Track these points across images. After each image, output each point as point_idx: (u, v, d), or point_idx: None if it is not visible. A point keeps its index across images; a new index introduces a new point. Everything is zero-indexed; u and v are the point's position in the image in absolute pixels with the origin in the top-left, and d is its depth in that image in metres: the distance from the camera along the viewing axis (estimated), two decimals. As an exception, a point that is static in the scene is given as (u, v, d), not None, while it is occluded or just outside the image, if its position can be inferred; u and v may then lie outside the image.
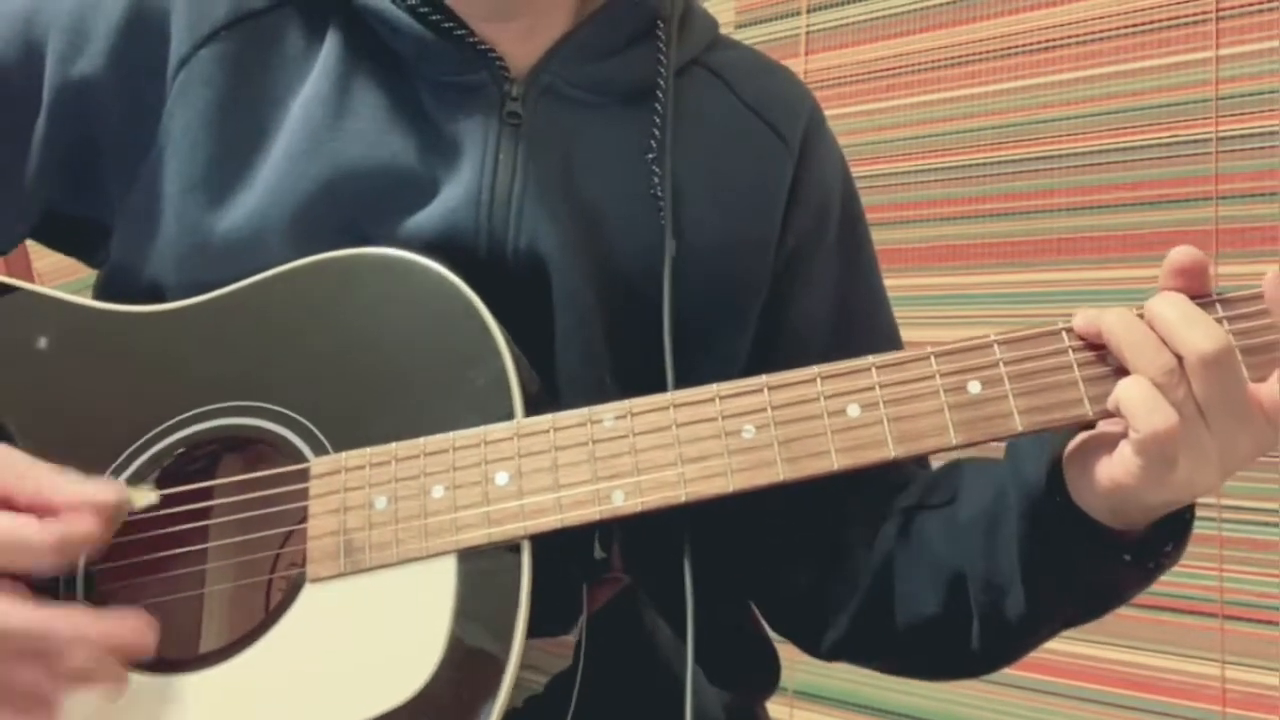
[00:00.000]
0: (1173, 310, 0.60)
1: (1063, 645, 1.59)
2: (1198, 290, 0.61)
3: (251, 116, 0.75)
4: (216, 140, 0.74)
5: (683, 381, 0.70)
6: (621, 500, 0.62)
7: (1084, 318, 0.62)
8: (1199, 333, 0.59)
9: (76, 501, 0.59)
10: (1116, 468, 0.60)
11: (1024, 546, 0.68)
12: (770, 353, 0.80)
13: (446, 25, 0.75)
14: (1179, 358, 0.59)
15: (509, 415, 0.64)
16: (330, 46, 0.76)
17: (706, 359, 0.77)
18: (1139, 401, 0.58)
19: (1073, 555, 0.66)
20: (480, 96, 0.76)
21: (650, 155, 0.78)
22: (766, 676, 0.86)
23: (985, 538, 0.71)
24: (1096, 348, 0.62)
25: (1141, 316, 0.61)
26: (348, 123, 0.74)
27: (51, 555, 0.58)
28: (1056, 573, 0.68)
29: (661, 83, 0.79)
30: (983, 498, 0.72)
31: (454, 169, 0.74)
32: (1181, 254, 0.62)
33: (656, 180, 0.77)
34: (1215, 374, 0.58)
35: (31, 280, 1.54)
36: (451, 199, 0.73)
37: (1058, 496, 0.66)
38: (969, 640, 0.73)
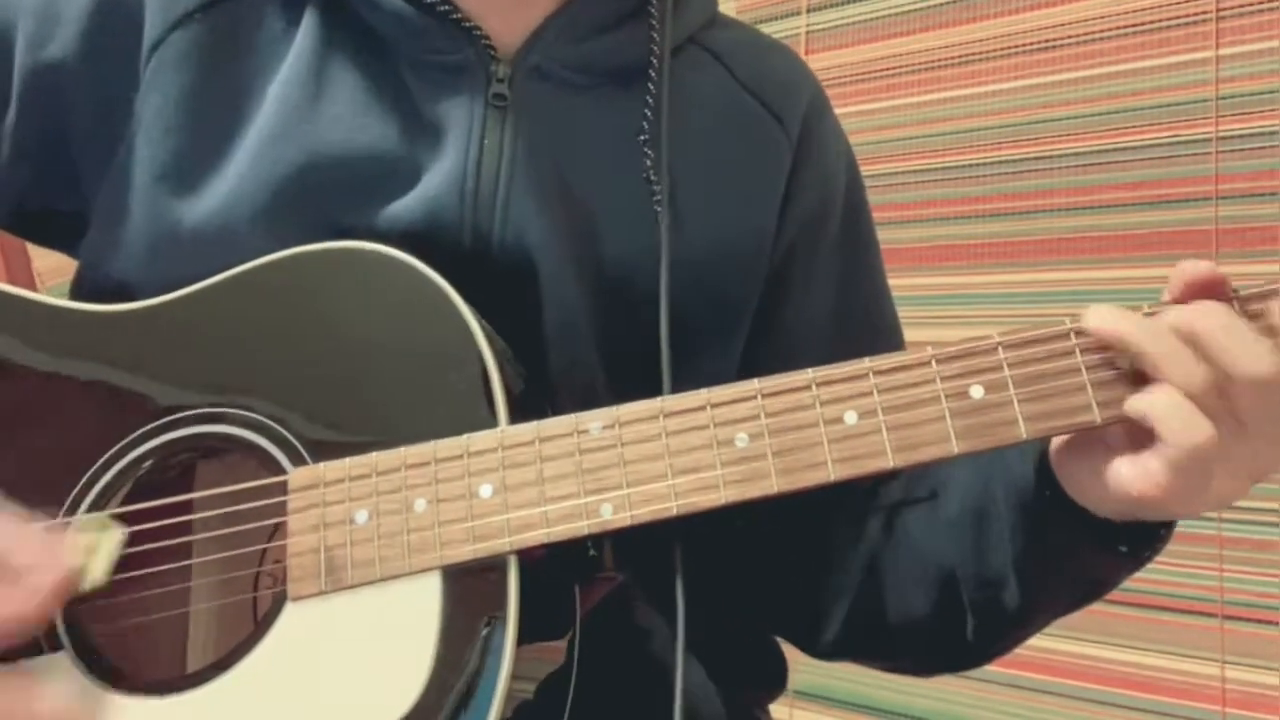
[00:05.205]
0: (1217, 325, 0.56)
1: (1063, 645, 1.59)
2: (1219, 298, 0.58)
3: (225, 102, 0.72)
4: (189, 127, 0.71)
5: (679, 379, 0.67)
6: (610, 514, 0.59)
7: (1099, 320, 0.58)
8: (1252, 354, 0.55)
9: (49, 577, 0.56)
10: (1143, 482, 0.56)
11: (1017, 542, 0.66)
12: (764, 352, 0.77)
13: (429, 1, 0.72)
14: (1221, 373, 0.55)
15: (492, 420, 0.61)
16: (307, 26, 0.73)
17: (703, 356, 0.74)
18: (1174, 414, 0.55)
19: (1068, 549, 0.64)
20: (465, 77, 0.72)
21: (643, 138, 0.74)
22: (772, 676, 0.84)
23: (975, 534, 0.69)
24: (1105, 349, 0.58)
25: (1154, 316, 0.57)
26: (324, 106, 0.71)
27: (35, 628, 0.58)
28: (1051, 566, 0.66)
29: (655, 61, 0.75)
30: (968, 492, 0.70)
31: (436, 154, 0.71)
32: (1197, 268, 0.58)
33: (649, 165, 0.74)
34: (1266, 394, 0.55)
35: (32, 280, 1.53)
36: (433, 186, 0.70)
37: (1048, 490, 0.63)
38: (963, 635, 0.72)
